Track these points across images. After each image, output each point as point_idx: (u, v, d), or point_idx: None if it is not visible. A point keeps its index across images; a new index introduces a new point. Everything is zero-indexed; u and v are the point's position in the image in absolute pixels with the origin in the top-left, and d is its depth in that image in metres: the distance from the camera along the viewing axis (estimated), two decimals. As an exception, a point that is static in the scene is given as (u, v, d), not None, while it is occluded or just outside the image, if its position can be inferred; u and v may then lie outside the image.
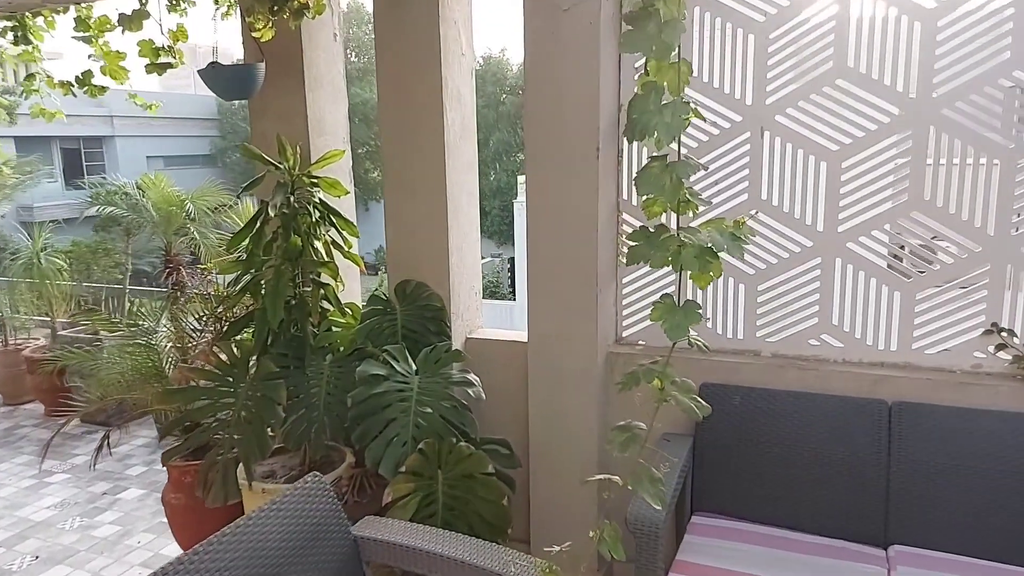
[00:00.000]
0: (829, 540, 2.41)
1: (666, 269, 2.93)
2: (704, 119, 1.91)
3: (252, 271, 2.77)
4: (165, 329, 3.14)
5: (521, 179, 19.82)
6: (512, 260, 19.97)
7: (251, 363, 2.70)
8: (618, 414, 2.88)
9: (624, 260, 2.88)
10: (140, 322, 3.07)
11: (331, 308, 2.91)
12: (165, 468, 3.09)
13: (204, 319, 3.04)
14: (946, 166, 2.42)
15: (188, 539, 3.08)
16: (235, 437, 2.55)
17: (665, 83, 1.66)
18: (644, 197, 1.80)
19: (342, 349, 2.90)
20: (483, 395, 2.64)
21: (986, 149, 2.35)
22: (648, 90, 1.63)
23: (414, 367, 2.71)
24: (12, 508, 4.13)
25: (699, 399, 1.78)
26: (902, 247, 2.53)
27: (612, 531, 1.73)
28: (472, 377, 2.67)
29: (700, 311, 1.72)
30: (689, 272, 1.81)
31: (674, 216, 1.84)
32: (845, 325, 2.62)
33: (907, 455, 2.37)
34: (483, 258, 22.27)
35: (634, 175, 2.84)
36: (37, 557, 3.53)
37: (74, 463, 4.91)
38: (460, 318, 3.06)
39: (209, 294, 3.05)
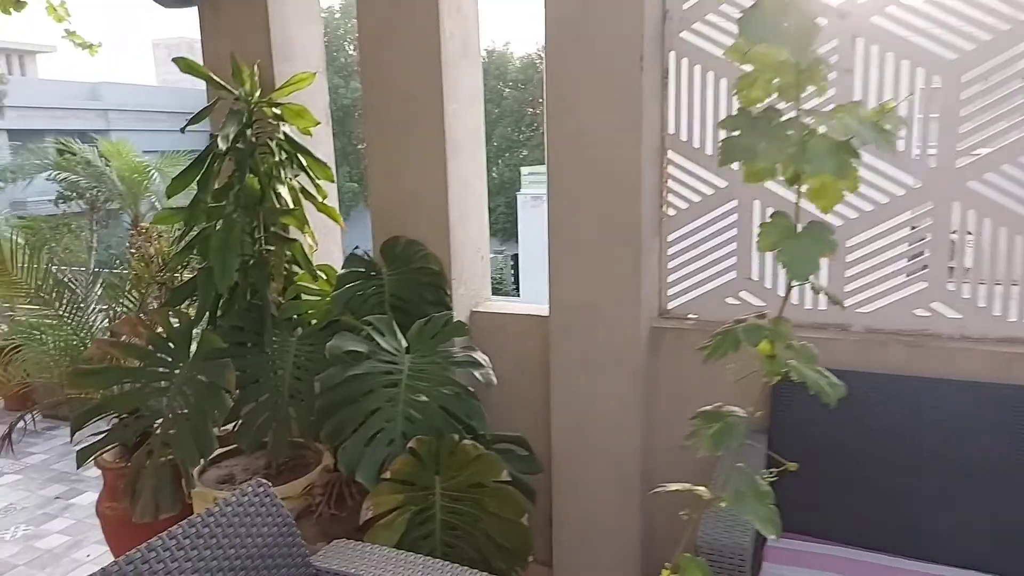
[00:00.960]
0: (955, 572, 1.80)
1: (729, 219, 2.31)
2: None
3: (197, 222, 2.16)
4: (98, 298, 2.54)
5: (526, 171, 19.18)
6: (516, 257, 19.32)
7: (195, 338, 2.10)
8: (669, 404, 2.27)
9: (669, 211, 2.28)
10: (66, 291, 2.46)
11: (300, 271, 2.31)
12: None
13: (145, 286, 2.43)
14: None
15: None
16: (170, 433, 1.94)
17: None
18: (743, 71, 1.19)
19: (314, 323, 2.30)
20: (494, 379, 2.03)
21: None
22: None
23: (404, 343, 2.11)
24: (-53, 514, 3.56)
25: (829, 374, 1.17)
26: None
27: (700, 571, 1.12)
28: (480, 356, 2.07)
29: (833, 236, 1.11)
30: (808, 185, 1.20)
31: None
32: (964, 291, 2.01)
33: (1063, 458, 1.76)
34: (485, 255, 21.58)
35: (682, 101, 2.26)
36: (-35, 574, 2.96)
37: (28, 463, 4.34)
38: (463, 285, 2.46)
39: (150, 256, 2.45)
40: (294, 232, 2.31)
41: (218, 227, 2.11)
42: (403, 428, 1.93)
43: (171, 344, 2.03)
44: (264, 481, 1.44)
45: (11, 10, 2.45)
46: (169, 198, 2.15)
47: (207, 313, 2.13)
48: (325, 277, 2.32)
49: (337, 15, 24.47)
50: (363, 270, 2.30)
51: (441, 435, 1.90)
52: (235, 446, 2.48)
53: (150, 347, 2.00)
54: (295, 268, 2.32)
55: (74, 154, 4.56)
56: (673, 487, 1.23)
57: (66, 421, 4.91)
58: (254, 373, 2.12)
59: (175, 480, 2.02)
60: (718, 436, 1.17)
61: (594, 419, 2.25)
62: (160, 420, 1.97)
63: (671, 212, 2.29)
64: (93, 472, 4.12)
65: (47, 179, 4.70)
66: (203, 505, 2.12)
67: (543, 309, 2.38)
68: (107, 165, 4.53)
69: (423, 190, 2.35)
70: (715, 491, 1.18)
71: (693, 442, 1.20)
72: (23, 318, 2.53)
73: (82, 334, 2.40)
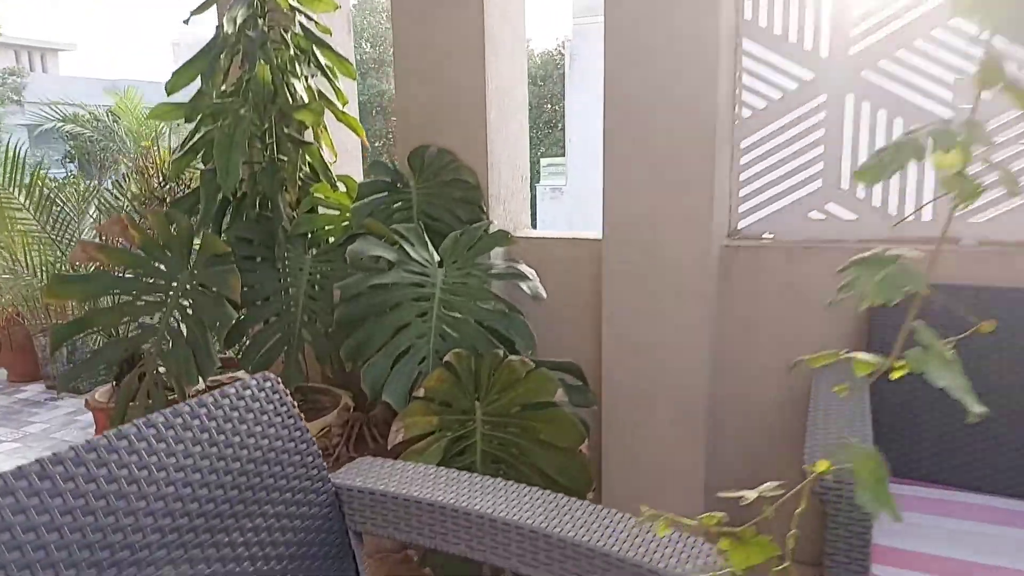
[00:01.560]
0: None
1: (816, 117, 1.95)
2: None
3: (204, 123, 1.89)
4: (92, 220, 2.27)
5: (544, 162, 18.86)
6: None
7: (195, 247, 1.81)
8: (741, 334, 1.97)
9: (742, 112, 1.97)
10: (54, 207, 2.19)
11: (316, 183, 2.02)
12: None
13: (143, 203, 2.15)
14: None
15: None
16: (164, 349, 1.66)
17: None
18: None
19: (332, 240, 2.01)
20: (543, 291, 1.73)
21: None
22: None
23: (437, 257, 1.82)
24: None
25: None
26: None
27: (873, 460, 0.81)
28: (525, 268, 1.77)
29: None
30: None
31: None
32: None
33: None
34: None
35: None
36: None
37: (28, 431, 4.11)
38: (502, 205, 2.16)
39: (150, 172, 2.17)
40: (308, 137, 2.02)
41: (224, 123, 1.83)
42: (436, 347, 1.63)
43: (168, 252, 1.75)
44: (271, 375, 1.15)
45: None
46: (170, 94, 1.88)
47: (210, 223, 1.85)
48: (345, 189, 2.03)
49: (353, 11, 24.28)
50: (388, 180, 2.01)
51: (481, 355, 1.60)
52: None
53: (143, 253, 1.72)
54: (311, 181, 2.03)
55: (84, 112, 4.33)
56: (817, 357, 0.91)
57: (71, 393, 4.67)
58: (263, 290, 1.84)
59: (172, 412, 1.74)
60: (890, 281, 0.85)
61: (654, 352, 1.95)
62: (153, 336, 1.69)
63: (745, 113, 1.98)
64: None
65: (55, 135, 4.47)
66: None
67: (595, 232, 2.08)
68: (115, 121, 4.30)
69: (457, 91, 2.06)
70: (887, 358, 0.86)
71: (852, 293, 0.89)
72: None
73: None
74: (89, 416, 4.24)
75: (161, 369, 1.66)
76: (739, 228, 2.04)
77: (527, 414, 1.53)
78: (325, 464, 1.15)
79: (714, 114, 1.83)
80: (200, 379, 1.59)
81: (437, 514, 1.08)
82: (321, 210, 2.01)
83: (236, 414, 1.06)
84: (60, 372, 1.61)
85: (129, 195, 2.17)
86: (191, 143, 1.93)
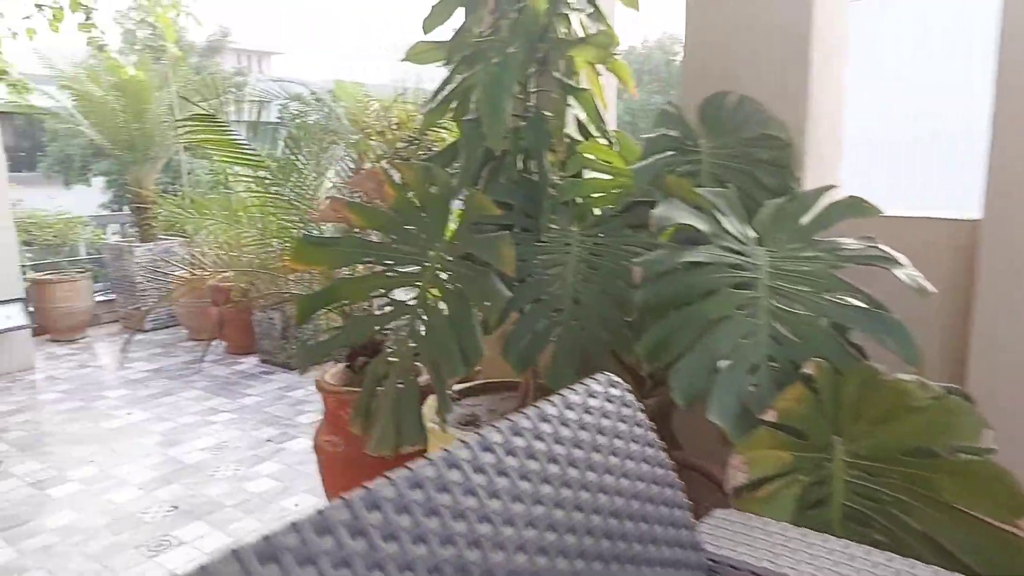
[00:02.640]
0: None
1: None
2: None
3: (456, 68, 1.60)
4: (331, 185, 2.11)
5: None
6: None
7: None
8: None
9: None
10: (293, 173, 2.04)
11: (584, 139, 1.66)
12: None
13: (382, 159, 1.93)
14: None
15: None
16: (419, 332, 1.38)
17: None
18: None
19: (599, 212, 1.64)
20: (927, 284, 1.22)
21: None
22: None
23: (753, 233, 1.37)
24: (164, 446, 3.49)
25: None
26: None
27: None
28: (889, 249, 1.27)
29: None
30: None
31: None
32: None
33: None
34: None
35: None
36: (175, 507, 2.78)
37: (244, 403, 4.29)
38: (817, 172, 1.67)
39: (387, 127, 1.95)
40: (581, 81, 1.66)
41: (488, 68, 1.52)
42: (768, 352, 1.19)
43: (423, 212, 1.47)
44: (616, 378, 0.78)
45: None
46: (427, 32, 1.62)
47: (470, 183, 1.56)
48: (620, 146, 1.65)
49: None
50: (676, 135, 1.60)
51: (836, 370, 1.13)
52: (477, 382, 1.93)
53: (394, 212, 1.46)
54: (574, 135, 1.68)
55: (309, 97, 4.43)
56: None
57: (283, 368, 4.82)
58: (525, 267, 1.51)
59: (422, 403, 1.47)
60: None
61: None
62: (405, 315, 1.42)
63: None
64: (305, 418, 3.91)
65: (280, 112, 4.61)
66: (438, 447, 1.56)
67: (969, 212, 1.53)
68: (335, 101, 4.34)
69: (769, 22, 1.59)
70: None
71: None
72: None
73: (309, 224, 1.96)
74: (298, 393, 4.32)
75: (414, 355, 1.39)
76: None
77: (918, 462, 1.04)
78: (693, 522, 0.76)
79: None
80: (464, 368, 1.29)
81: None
82: (588, 174, 1.65)
83: (586, 435, 0.69)
84: (300, 346, 1.43)
85: (373, 156, 1.98)
86: (447, 92, 1.65)
